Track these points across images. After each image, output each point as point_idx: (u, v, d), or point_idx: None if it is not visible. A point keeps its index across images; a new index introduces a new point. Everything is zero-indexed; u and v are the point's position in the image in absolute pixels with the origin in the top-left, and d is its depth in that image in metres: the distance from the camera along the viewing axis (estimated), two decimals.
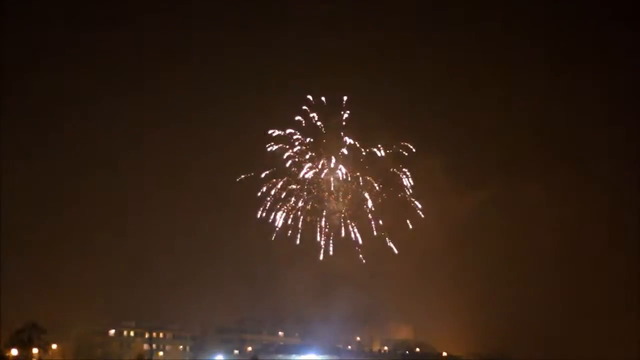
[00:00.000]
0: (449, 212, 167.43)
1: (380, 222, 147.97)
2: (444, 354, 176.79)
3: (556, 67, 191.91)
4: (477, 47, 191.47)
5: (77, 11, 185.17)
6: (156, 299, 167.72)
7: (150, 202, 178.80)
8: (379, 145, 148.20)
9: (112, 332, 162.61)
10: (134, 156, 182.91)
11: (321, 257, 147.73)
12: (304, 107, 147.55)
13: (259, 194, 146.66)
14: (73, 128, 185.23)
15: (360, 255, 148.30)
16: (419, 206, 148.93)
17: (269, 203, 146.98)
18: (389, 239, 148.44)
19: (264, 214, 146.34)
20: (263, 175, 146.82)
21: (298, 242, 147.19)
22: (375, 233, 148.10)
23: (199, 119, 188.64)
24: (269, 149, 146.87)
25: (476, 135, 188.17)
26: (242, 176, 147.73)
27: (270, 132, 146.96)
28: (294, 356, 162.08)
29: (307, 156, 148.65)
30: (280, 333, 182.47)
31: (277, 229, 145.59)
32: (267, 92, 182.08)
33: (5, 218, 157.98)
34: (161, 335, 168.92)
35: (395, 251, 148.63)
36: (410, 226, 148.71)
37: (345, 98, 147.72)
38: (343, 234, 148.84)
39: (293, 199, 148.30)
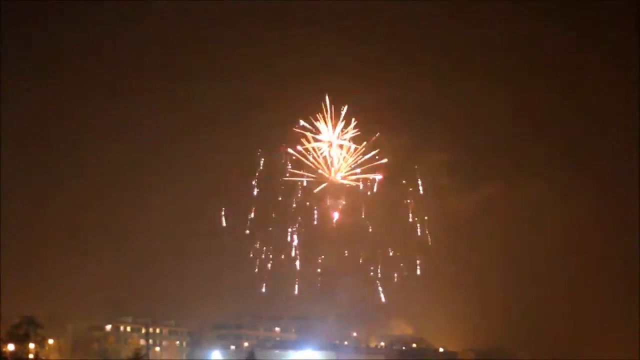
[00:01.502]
0: (450, 210, 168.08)
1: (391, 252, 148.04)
2: (440, 349, 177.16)
3: (558, 67, 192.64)
4: (479, 47, 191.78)
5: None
6: (153, 295, 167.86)
7: (148, 198, 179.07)
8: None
9: (108, 327, 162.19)
10: (132, 157, 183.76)
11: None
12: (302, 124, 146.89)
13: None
14: (74, 126, 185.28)
15: (381, 292, 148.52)
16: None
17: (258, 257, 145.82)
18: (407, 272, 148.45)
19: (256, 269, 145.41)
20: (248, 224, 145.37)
21: (296, 292, 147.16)
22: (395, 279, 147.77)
23: (198, 118, 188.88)
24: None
25: (479, 135, 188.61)
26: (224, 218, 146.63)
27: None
28: (290, 352, 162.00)
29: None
30: (277, 329, 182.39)
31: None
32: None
33: (3, 213, 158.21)
34: (157, 330, 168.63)
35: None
36: (419, 271, 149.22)
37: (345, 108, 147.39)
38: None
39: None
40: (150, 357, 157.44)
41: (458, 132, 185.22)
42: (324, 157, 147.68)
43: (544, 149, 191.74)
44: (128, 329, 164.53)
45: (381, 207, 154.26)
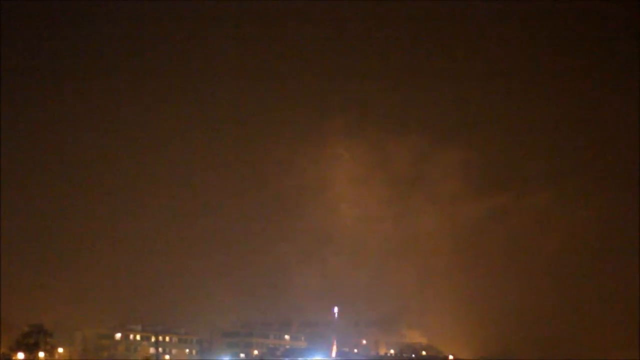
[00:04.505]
0: (459, 218, 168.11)
1: None
2: (450, 357, 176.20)
3: (569, 76, 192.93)
4: (490, 59, 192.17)
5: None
6: (162, 303, 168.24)
7: (156, 206, 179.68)
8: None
9: (118, 335, 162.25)
10: (140, 161, 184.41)
11: None
12: None
13: None
14: (76, 134, 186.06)
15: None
16: None
17: None
18: None
19: None
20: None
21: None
22: None
23: (197, 117, 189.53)
24: None
25: (488, 144, 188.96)
26: None
27: None
28: None
29: None
30: (287, 337, 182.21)
31: None
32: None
33: (10, 221, 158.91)
34: (167, 339, 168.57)
35: None
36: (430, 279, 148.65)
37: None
38: None
39: None
40: None
41: (467, 142, 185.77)
42: None
43: (551, 159, 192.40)
44: (138, 337, 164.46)
45: (392, 213, 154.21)
